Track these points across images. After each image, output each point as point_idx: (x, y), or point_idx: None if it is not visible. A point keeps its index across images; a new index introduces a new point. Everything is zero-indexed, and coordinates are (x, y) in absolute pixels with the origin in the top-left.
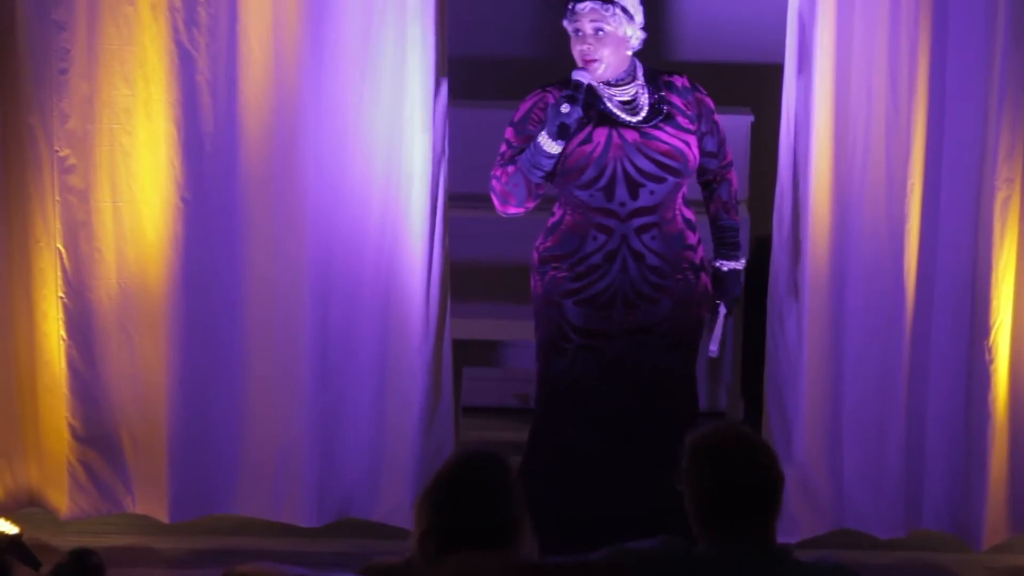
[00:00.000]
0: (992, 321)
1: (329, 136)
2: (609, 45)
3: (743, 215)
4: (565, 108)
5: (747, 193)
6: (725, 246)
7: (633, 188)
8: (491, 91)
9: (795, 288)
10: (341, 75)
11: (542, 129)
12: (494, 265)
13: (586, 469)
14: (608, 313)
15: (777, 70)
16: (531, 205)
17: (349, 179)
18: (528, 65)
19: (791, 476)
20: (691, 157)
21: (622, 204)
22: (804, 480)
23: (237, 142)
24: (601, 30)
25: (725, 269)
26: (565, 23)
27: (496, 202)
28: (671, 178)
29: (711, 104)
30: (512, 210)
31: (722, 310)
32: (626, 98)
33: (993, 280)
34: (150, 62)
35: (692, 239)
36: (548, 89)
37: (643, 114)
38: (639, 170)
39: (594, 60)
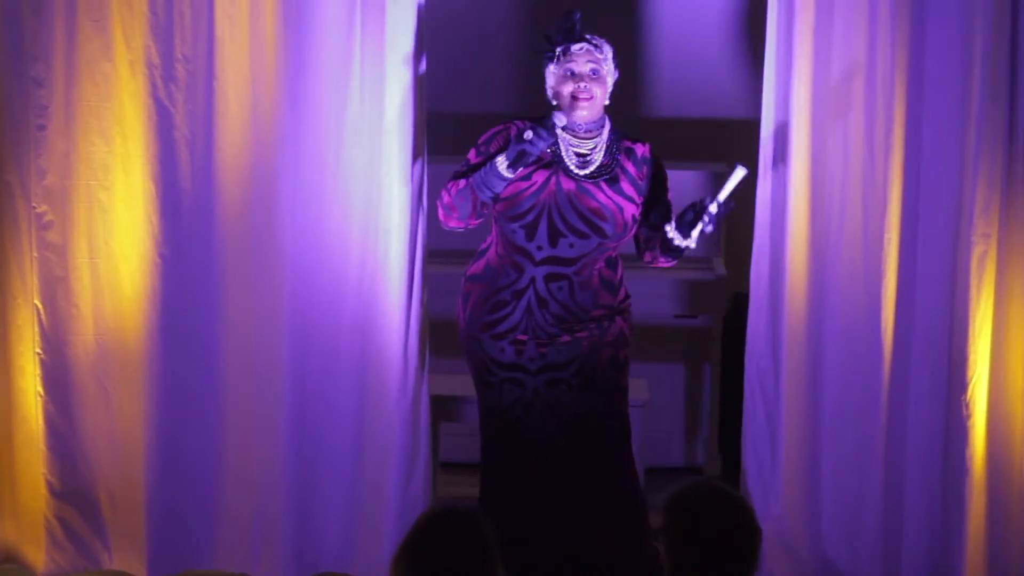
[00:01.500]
0: (969, 376)
1: (307, 192)
2: (601, 86)
3: (719, 270)
4: (529, 135)
5: (723, 250)
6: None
7: (554, 236)
8: (469, 146)
9: (773, 344)
10: (319, 131)
11: (501, 153)
12: None
13: (530, 498)
14: (522, 349)
15: (754, 125)
16: (473, 223)
17: (327, 234)
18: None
19: (769, 531)
20: (620, 221)
21: (539, 248)
22: (782, 535)
23: (215, 198)
24: (596, 71)
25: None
26: (552, 66)
27: (440, 213)
28: (595, 237)
29: (657, 185)
30: (454, 224)
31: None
32: (583, 151)
33: (970, 335)
34: (128, 118)
35: (606, 298)
36: (515, 122)
37: (590, 170)
38: (564, 220)
39: (590, 98)
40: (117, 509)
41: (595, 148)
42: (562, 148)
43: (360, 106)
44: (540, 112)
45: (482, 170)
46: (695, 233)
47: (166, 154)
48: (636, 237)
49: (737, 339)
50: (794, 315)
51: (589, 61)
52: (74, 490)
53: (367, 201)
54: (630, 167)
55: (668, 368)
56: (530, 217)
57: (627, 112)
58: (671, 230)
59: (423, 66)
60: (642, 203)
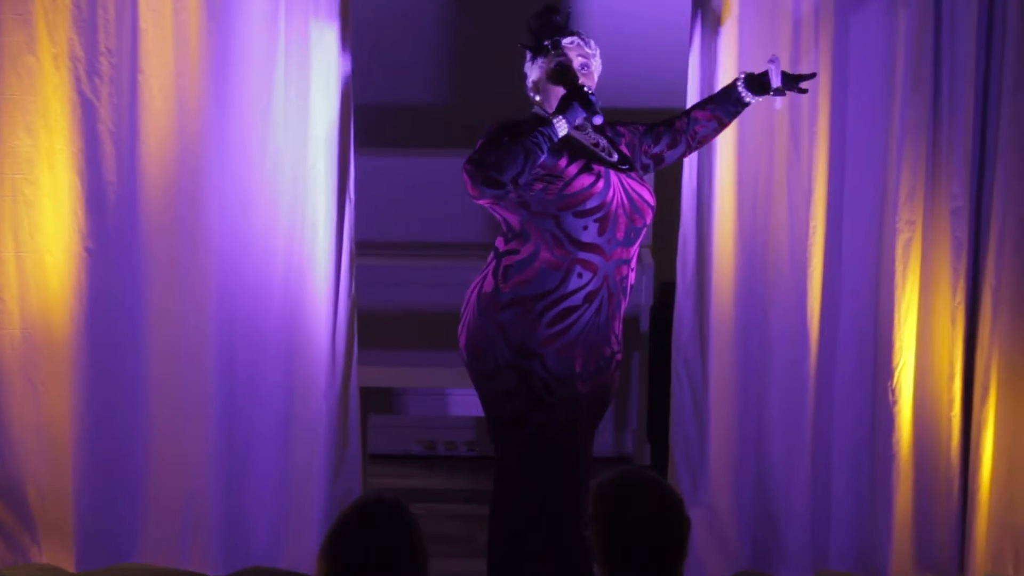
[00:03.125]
0: (895, 362)
1: (233, 184)
2: (591, 81)
3: (647, 260)
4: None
5: (651, 240)
6: (733, 101)
7: (624, 227)
8: (395, 138)
9: (700, 332)
10: (244, 124)
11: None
12: (400, 312)
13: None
14: (587, 359)
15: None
16: (523, 181)
17: (254, 227)
18: (432, 112)
19: (698, 519)
20: (652, 201)
21: (610, 241)
22: (711, 522)
23: (140, 191)
24: (586, 66)
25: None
26: (542, 60)
27: (480, 176)
28: (645, 225)
29: (621, 127)
30: (492, 187)
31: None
32: (595, 141)
33: (896, 321)
34: (52, 112)
35: (621, 352)
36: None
37: (615, 158)
38: (630, 210)
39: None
40: (45, 503)
41: (593, 135)
42: (586, 142)
43: (285, 98)
44: (464, 103)
45: (536, 132)
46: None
47: (91, 148)
48: (659, 154)
49: (664, 328)
50: (720, 304)
51: (580, 56)
52: (2, 484)
53: (294, 193)
54: (625, 149)
55: None
56: (604, 212)
57: None
58: (744, 90)
59: (349, 58)
60: (635, 157)
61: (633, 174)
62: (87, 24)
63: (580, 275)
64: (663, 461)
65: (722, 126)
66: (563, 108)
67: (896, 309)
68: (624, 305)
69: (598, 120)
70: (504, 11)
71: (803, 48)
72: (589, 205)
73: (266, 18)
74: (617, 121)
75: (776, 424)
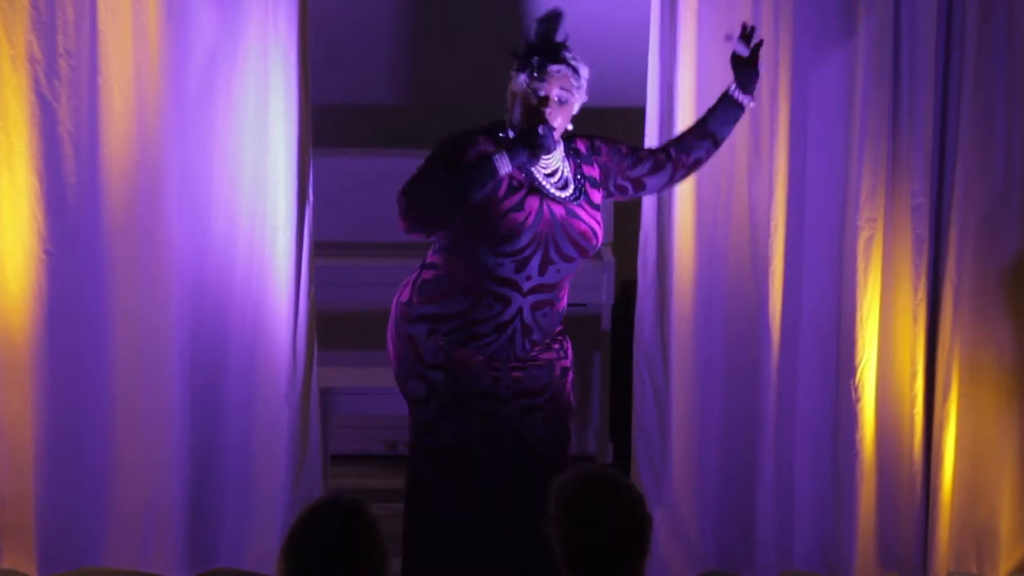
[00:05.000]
0: (858, 360)
1: (193, 186)
2: (566, 115)
3: (608, 258)
4: (543, 131)
5: (612, 237)
6: (726, 112)
7: (545, 264)
8: (353, 139)
9: (661, 331)
10: (204, 125)
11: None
12: (360, 312)
13: (471, 538)
14: (499, 376)
15: (639, 113)
16: (453, 219)
17: (214, 228)
18: (390, 112)
19: (660, 519)
20: (600, 237)
21: (528, 278)
22: (674, 522)
23: (100, 193)
24: (565, 99)
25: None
26: (523, 77)
27: (412, 210)
28: (579, 259)
29: (602, 143)
30: (423, 225)
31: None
32: (549, 170)
33: (858, 319)
34: (11, 114)
35: (567, 359)
36: (477, 134)
37: (570, 189)
38: (557, 248)
39: (551, 127)
40: (7, 507)
41: (560, 166)
42: (535, 171)
43: (245, 99)
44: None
45: (475, 167)
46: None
47: (50, 150)
48: (639, 178)
49: (626, 327)
50: (682, 302)
51: (562, 88)
52: None
53: (253, 194)
54: (587, 170)
55: None
56: (528, 252)
57: None
58: (735, 90)
59: (307, 58)
60: (624, 156)
61: (584, 204)
62: (46, 26)
63: (490, 306)
64: (626, 460)
65: (716, 144)
66: (511, 144)
67: (858, 307)
68: (556, 328)
69: (532, 163)
70: (462, 11)
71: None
72: (509, 248)
73: (225, 19)
74: (599, 137)
75: (739, 423)
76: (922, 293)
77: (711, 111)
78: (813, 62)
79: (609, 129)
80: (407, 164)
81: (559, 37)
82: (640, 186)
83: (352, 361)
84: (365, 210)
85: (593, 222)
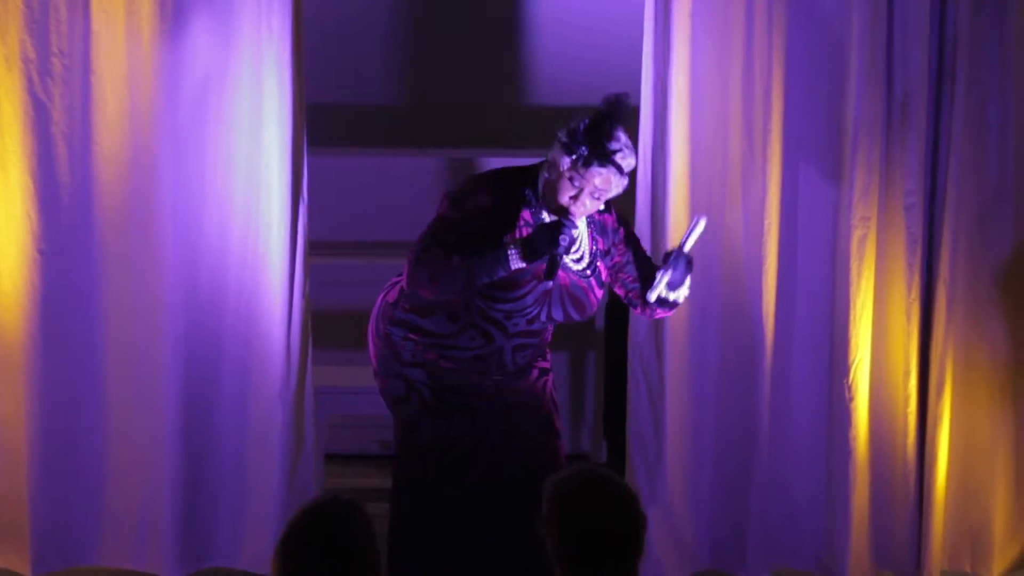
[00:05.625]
0: (851, 359)
1: (186, 185)
2: (596, 207)
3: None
4: (565, 243)
5: None
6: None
7: (536, 324)
8: (348, 138)
9: (656, 330)
10: (197, 124)
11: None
12: (355, 311)
13: (459, 541)
14: (480, 379)
15: (634, 112)
16: (453, 298)
17: (207, 227)
18: (384, 111)
19: (655, 518)
20: (596, 306)
21: (515, 324)
22: (668, 522)
23: (93, 193)
24: (599, 196)
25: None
26: (565, 160)
27: (419, 277)
28: (571, 319)
29: (623, 239)
30: (428, 293)
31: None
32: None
33: (851, 318)
34: (4, 114)
35: (547, 362)
36: (501, 187)
37: (585, 262)
38: (553, 310)
39: (580, 215)
40: (0, 506)
41: (581, 238)
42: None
43: (239, 98)
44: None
45: (487, 260)
46: (662, 286)
47: (43, 149)
48: (627, 295)
49: (621, 327)
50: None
51: (601, 187)
52: None
53: (247, 193)
54: (601, 243)
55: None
56: (530, 311)
57: (510, 100)
58: (652, 295)
59: (301, 57)
60: (619, 264)
61: (593, 281)
62: (39, 25)
63: (473, 338)
64: (620, 459)
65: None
66: (531, 240)
67: (851, 306)
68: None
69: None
70: (458, 10)
71: (756, 45)
72: (506, 296)
73: (218, 18)
74: (629, 229)
75: (733, 422)
76: (915, 292)
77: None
78: (806, 60)
79: None
80: (401, 163)
81: (618, 131)
82: (625, 277)
83: (347, 360)
84: (360, 209)
85: (595, 298)
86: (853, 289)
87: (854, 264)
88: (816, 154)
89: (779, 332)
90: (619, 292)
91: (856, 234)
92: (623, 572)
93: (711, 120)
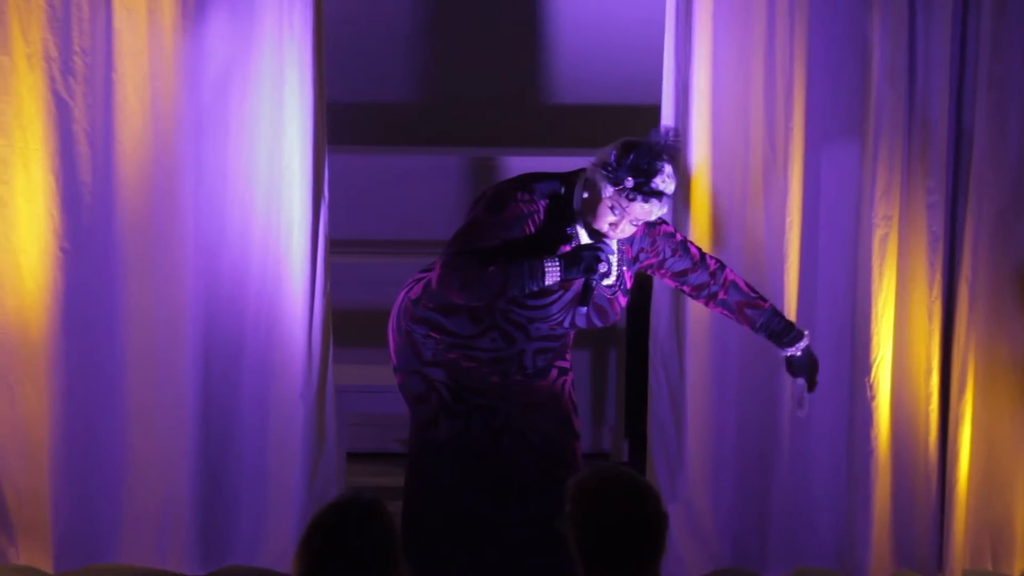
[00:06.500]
0: (873, 358)
1: (208, 183)
2: (633, 230)
3: None
4: (603, 268)
5: None
6: (777, 335)
7: (557, 330)
8: (369, 136)
9: (677, 329)
10: (219, 123)
11: (546, 255)
12: (376, 310)
13: (475, 541)
14: (499, 379)
15: (654, 111)
16: (481, 304)
17: (229, 226)
18: (406, 109)
19: (676, 516)
20: (617, 318)
21: (537, 329)
22: (689, 519)
23: (115, 191)
24: (638, 224)
25: (790, 354)
26: (608, 187)
27: (452, 282)
28: (589, 328)
29: (670, 232)
30: (458, 298)
31: (800, 383)
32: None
33: (873, 317)
34: (26, 112)
35: (566, 361)
36: (536, 195)
37: (612, 278)
38: (572, 320)
39: (617, 238)
40: (23, 504)
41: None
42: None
43: (260, 97)
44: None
45: (523, 271)
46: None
47: (66, 148)
48: (679, 288)
49: (642, 325)
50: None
51: (642, 215)
52: None
53: (269, 192)
54: (628, 251)
55: (573, 354)
56: (552, 309)
57: (531, 99)
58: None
59: (322, 56)
60: (653, 264)
61: (619, 293)
62: (61, 24)
63: (494, 340)
64: (641, 458)
65: (741, 322)
66: (567, 261)
67: (873, 304)
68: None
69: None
70: (478, 10)
71: (778, 44)
72: (532, 303)
73: (240, 17)
74: (682, 239)
75: (754, 420)
76: (937, 290)
77: (771, 327)
78: (828, 59)
79: (623, 128)
80: (423, 162)
81: (665, 167)
82: (661, 267)
83: (368, 359)
84: (381, 208)
85: (618, 307)
86: (875, 287)
87: (876, 263)
88: (838, 153)
89: None
90: (671, 284)
91: (878, 233)
92: (645, 570)
93: (732, 119)
